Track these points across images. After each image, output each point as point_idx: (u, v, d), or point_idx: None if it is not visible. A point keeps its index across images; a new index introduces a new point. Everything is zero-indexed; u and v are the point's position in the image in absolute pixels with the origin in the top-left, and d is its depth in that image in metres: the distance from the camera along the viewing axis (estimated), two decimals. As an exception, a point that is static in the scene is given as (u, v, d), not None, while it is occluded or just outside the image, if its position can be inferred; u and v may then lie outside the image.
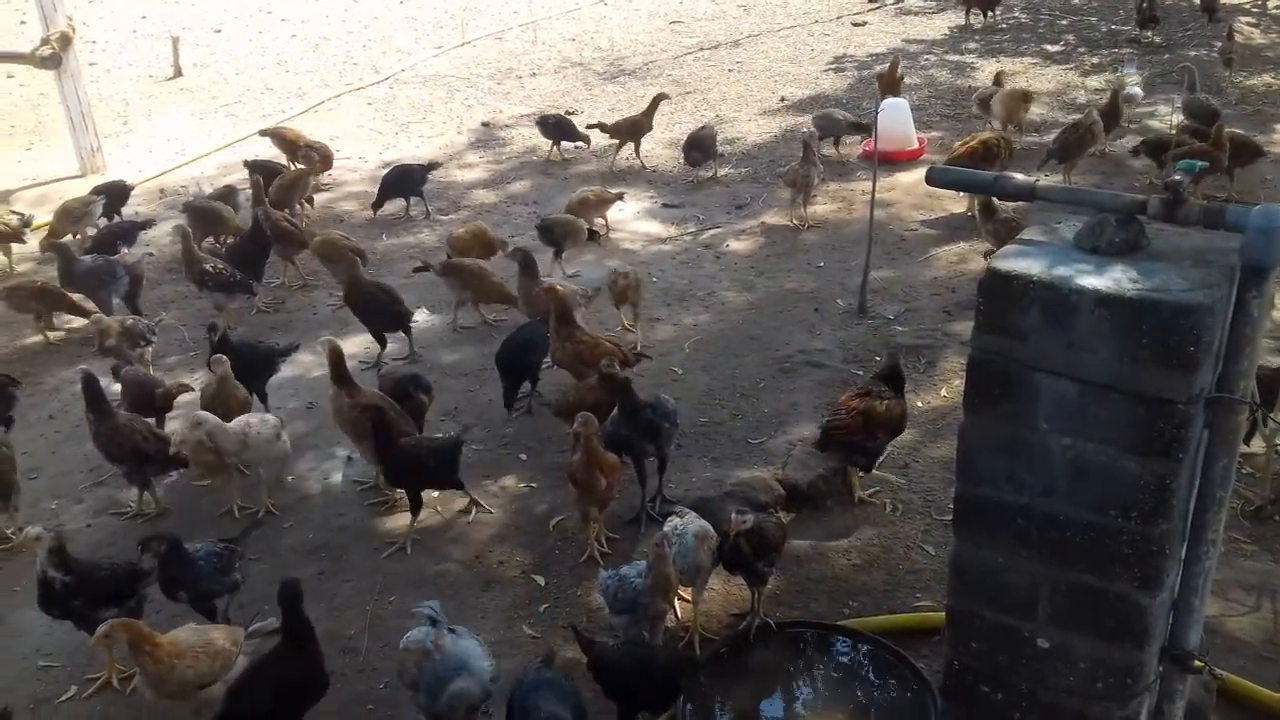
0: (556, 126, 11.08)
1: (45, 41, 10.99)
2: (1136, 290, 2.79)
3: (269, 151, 10.96)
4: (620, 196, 9.45)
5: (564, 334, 6.49)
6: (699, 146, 10.34)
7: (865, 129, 10.47)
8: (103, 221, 9.31)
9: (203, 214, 9.03)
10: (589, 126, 10.95)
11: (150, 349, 7.25)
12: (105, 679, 4.80)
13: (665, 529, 4.85)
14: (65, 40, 11.05)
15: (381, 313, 7.35)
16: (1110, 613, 3.09)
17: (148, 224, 9.29)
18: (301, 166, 10.08)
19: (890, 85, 11.41)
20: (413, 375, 6.43)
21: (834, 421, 5.66)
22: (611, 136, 10.85)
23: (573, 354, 6.44)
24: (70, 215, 9.11)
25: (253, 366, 6.61)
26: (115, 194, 9.68)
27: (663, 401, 5.77)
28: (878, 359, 7.14)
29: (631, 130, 10.84)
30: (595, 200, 9.21)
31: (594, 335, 6.61)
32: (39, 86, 13.61)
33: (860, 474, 5.78)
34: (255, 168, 9.96)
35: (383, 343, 7.37)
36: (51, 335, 7.98)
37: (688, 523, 4.78)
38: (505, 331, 7.34)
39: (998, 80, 11.21)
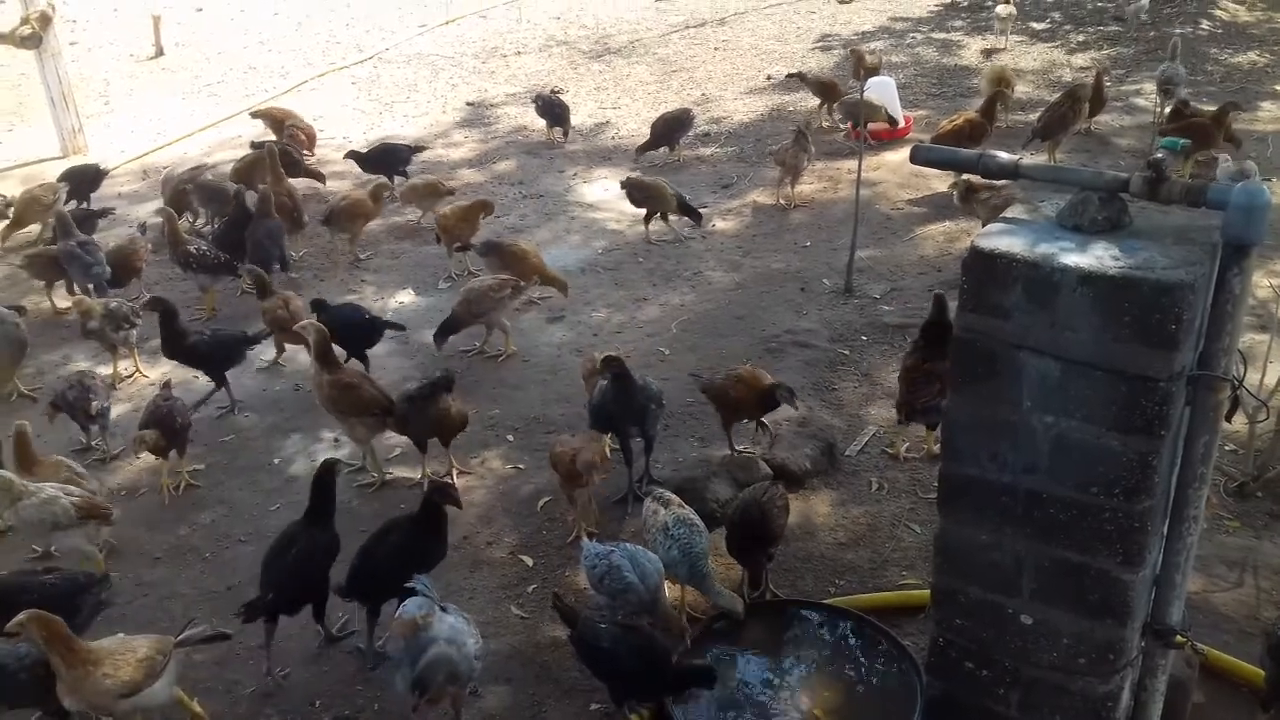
0: (549, 107, 10.93)
1: (25, 21, 10.88)
2: (1118, 268, 2.81)
3: (253, 132, 10.90)
4: (451, 192, 9.14)
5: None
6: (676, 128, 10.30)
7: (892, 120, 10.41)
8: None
9: (210, 192, 8.98)
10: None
11: (134, 331, 7.20)
12: None
13: (645, 511, 4.90)
14: (45, 20, 10.94)
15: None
16: (1093, 589, 3.12)
17: (106, 212, 9.15)
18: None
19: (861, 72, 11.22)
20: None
21: (916, 392, 5.67)
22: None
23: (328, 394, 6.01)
24: (39, 203, 8.99)
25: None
26: (88, 178, 9.58)
27: (648, 383, 5.78)
28: (864, 339, 7.17)
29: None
30: (424, 189, 9.03)
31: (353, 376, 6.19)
32: (19, 66, 13.48)
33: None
34: (259, 148, 9.90)
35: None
36: (60, 304, 7.97)
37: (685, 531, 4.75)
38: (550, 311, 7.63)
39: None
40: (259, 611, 4.64)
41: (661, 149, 10.34)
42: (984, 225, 7.85)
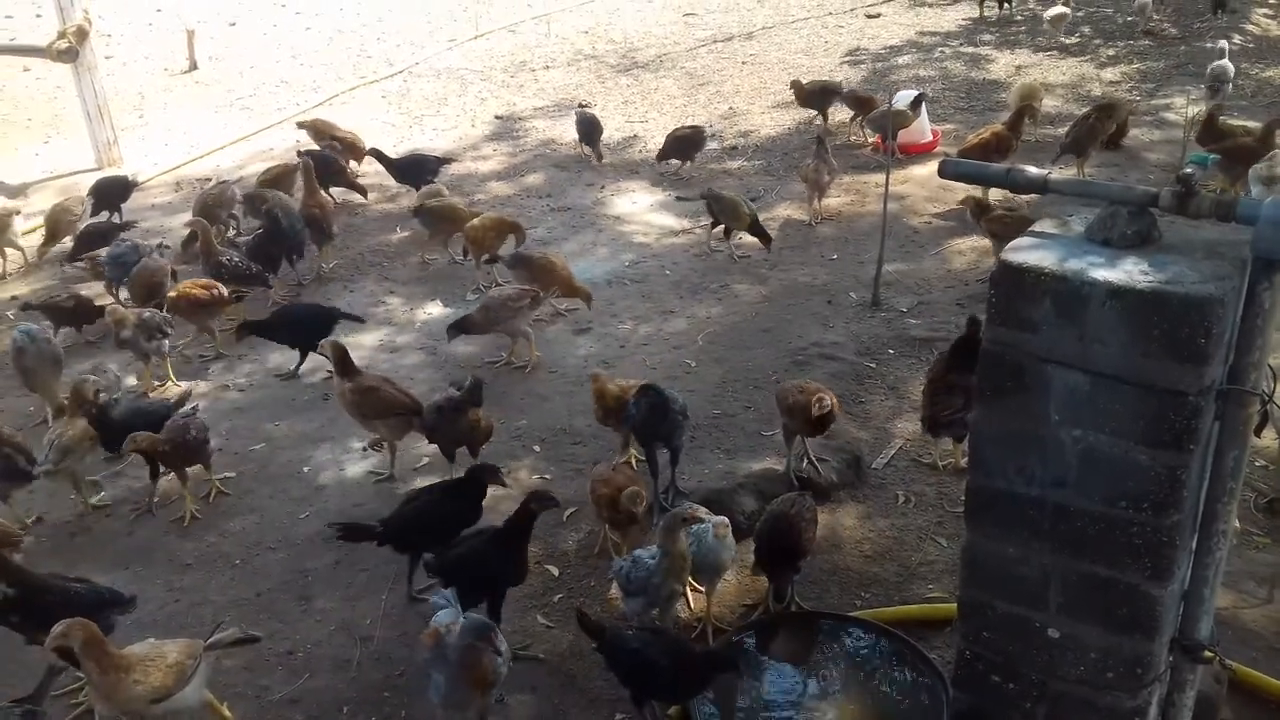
0: (588, 125, 10.93)
1: (62, 35, 11.04)
2: (1148, 282, 2.81)
3: (285, 144, 11.02)
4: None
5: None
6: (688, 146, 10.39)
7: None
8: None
9: (257, 203, 9.08)
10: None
11: (166, 342, 7.29)
12: None
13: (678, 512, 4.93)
14: (82, 34, 11.10)
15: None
16: (1121, 603, 3.11)
17: (128, 225, 9.22)
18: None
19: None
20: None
21: (941, 406, 5.66)
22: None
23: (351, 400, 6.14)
24: (70, 214, 9.13)
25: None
26: (117, 189, 9.70)
27: (674, 396, 5.79)
28: (891, 352, 7.17)
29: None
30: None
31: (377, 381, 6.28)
32: (55, 80, 13.68)
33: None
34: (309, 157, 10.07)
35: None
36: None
37: (706, 526, 4.77)
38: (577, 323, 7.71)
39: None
40: (360, 536, 5.15)
41: (679, 162, 10.48)
42: (992, 243, 7.94)
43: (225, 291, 7.55)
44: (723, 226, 8.73)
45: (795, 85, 11.44)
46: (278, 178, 9.69)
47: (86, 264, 8.73)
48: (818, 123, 11.43)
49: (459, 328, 7.10)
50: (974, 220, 8.33)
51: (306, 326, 7.28)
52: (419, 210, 8.95)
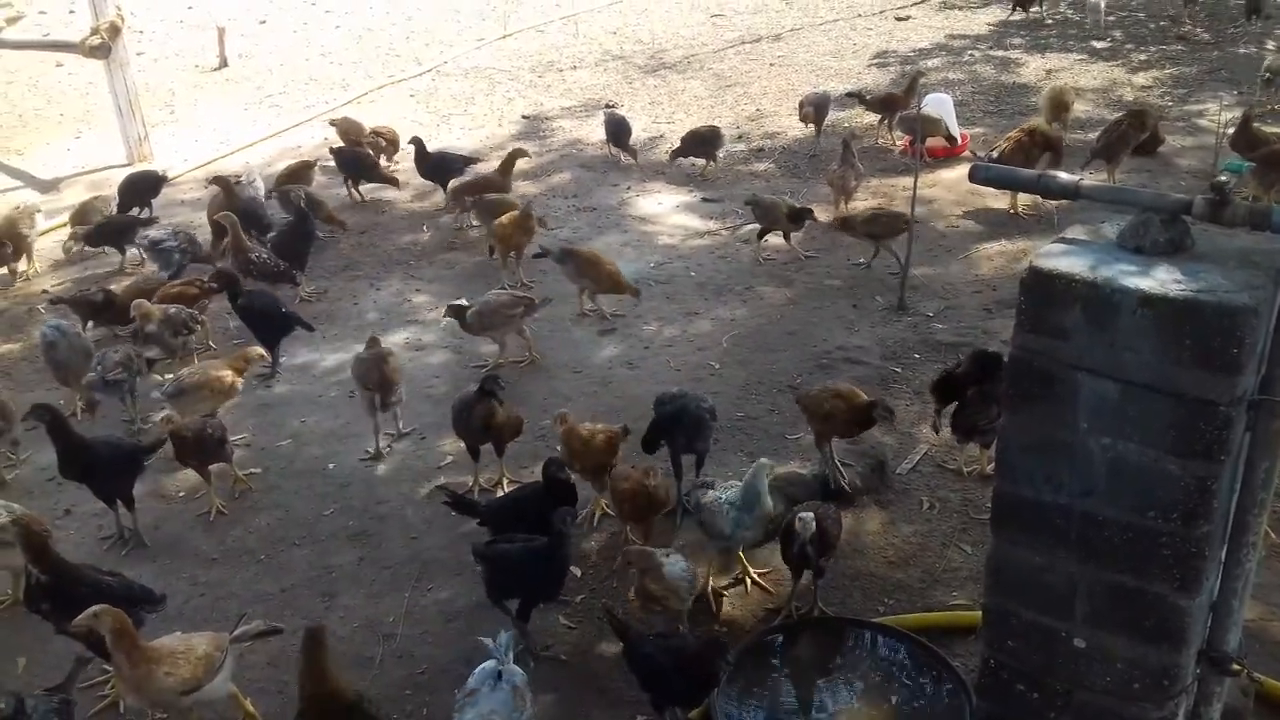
0: (616, 126, 10.90)
1: (95, 31, 11.15)
2: (1180, 291, 2.78)
3: (313, 141, 11.07)
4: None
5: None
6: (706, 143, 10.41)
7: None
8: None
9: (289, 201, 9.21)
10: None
11: (192, 338, 7.35)
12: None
13: (704, 497, 5.03)
14: (115, 30, 11.20)
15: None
16: (1148, 614, 3.09)
17: (151, 221, 9.26)
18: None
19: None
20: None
21: (974, 415, 5.68)
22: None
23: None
24: (94, 210, 9.26)
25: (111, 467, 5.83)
26: (148, 184, 9.80)
27: (700, 397, 5.79)
28: (916, 356, 7.14)
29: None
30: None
31: None
32: (88, 75, 13.80)
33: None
34: (339, 153, 10.29)
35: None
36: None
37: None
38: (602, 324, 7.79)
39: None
40: (466, 511, 5.39)
41: (704, 162, 10.51)
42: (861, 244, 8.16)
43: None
44: (760, 229, 8.72)
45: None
46: (295, 173, 9.78)
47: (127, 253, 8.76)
48: (845, 125, 11.38)
49: (454, 312, 7.18)
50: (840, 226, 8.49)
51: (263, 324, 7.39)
52: (475, 203, 8.93)
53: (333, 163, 10.32)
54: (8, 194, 10.81)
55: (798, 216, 8.47)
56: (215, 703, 4.44)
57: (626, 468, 5.50)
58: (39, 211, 9.40)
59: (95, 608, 4.10)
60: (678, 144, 10.53)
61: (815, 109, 10.86)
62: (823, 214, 9.42)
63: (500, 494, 5.84)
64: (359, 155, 10.22)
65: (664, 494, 5.30)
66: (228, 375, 6.53)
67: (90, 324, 7.60)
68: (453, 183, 9.71)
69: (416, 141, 9.95)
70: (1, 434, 6.36)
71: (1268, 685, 4.17)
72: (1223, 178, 2.89)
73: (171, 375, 6.68)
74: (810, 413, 5.80)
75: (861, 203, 9.52)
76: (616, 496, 5.36)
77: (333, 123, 11.07)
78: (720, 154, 10.57)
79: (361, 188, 10.27)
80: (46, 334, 6.84)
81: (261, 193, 9.49)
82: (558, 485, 5.20)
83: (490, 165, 10.72)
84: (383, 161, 10.56)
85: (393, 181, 10.08)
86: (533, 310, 7.33)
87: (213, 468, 6.00)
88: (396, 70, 14.63)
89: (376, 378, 6.40)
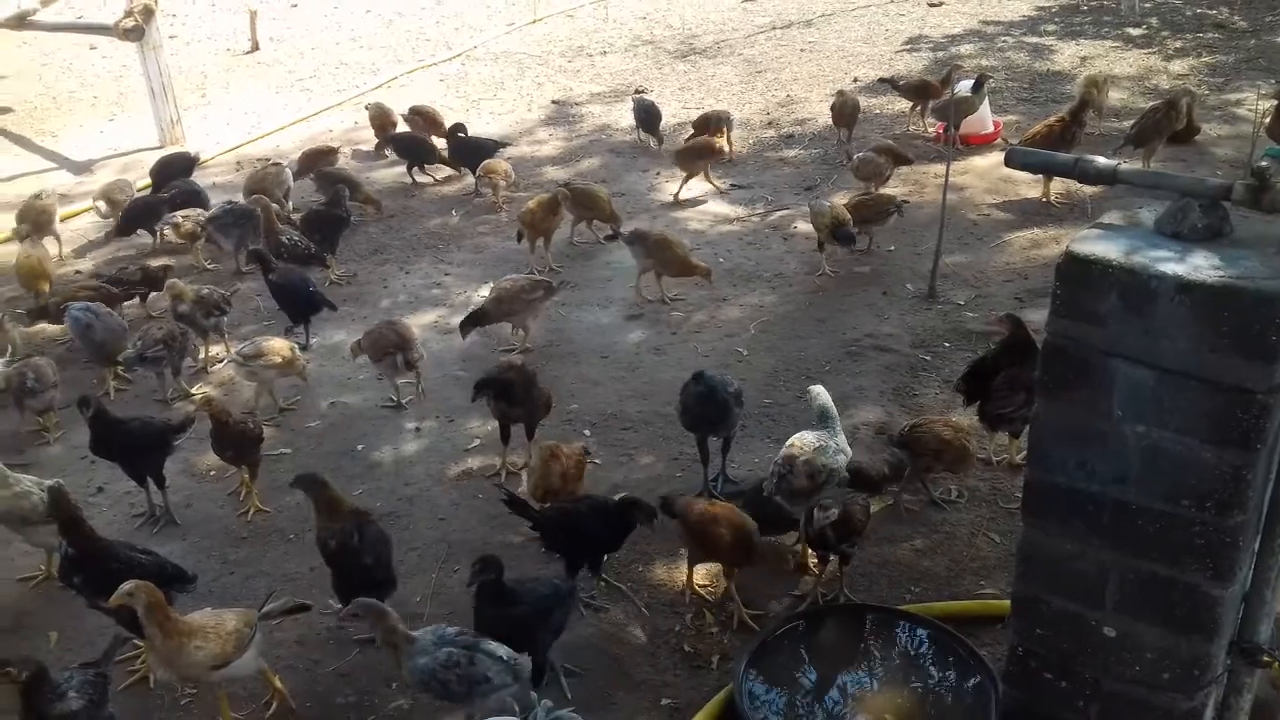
0: (646, 112, 10.87)
1: (128, 14, 11.21)
2: (1218, 277, 2.76)
3: (344, 126, 11.09)
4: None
5: None
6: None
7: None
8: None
9: (327, 180, 9.33)
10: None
11: (225, 319, 7.40)
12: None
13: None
14: (148, 13, 11.26)
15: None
16: (1180, 603, 3.07)
17: (174, 201, 9.22)
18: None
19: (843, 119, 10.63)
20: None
21: (1002, 403, 5.65)
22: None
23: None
24: (117, 188, 9.30)
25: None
26: (181, 166, 9.88)
27: (728, 381, 5.77)
28: (946, 345, 7.10)
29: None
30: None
31: None
32: (120, 58, 13.89)
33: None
34: (398, 139, 10.43)
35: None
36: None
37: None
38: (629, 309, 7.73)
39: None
40: (521, 512, 5.16)
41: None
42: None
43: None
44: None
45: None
46: (313, 157, 9.85)
47: (185, 230, 8.75)
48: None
49: (473, 322, 7.09)
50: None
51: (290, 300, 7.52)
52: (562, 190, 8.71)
53: (367, 147, 10.37)
54: (42, 176, 10.91)
55: (841, 237, 7.95)
56: (244, 678, 4.48)
57: (702, 505, 5.06)
58: (65, 196, 9.45)
59: (128, 584, 4.13)
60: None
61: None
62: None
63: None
64: (418, 140, 10.29)
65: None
66: (289, 351, 6.67)
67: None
68: (680, 147, 9.94)
69: (457, 128, 10.12)
70: (36, 394, 6.40)
71: (1299, 678, 4.13)
72: (1263, 163, 2.85)
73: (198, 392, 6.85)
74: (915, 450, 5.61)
75: (892, 189, 9.46)
76: (706, 538, 4.92)
77: (367, 108, 11.13)
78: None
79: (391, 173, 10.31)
80: (80, 317, 6.89)
81: (290, 176, 9.54)
82: (627, 519, 5.00)
83: (520, 150, 10.76)
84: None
85: (453, 165, 10.19)
86: (551, 294, 7.33)
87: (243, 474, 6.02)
88: (426, 55, 14.64)
89: (394, 339, 6.58)
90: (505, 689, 4.13)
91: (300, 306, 7.48)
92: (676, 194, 9.67)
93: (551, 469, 5.35)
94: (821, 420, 5.16)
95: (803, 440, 5.04)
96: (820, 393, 5.26)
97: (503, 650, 4.14)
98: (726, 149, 10.11)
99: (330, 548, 4.83)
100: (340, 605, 4.59)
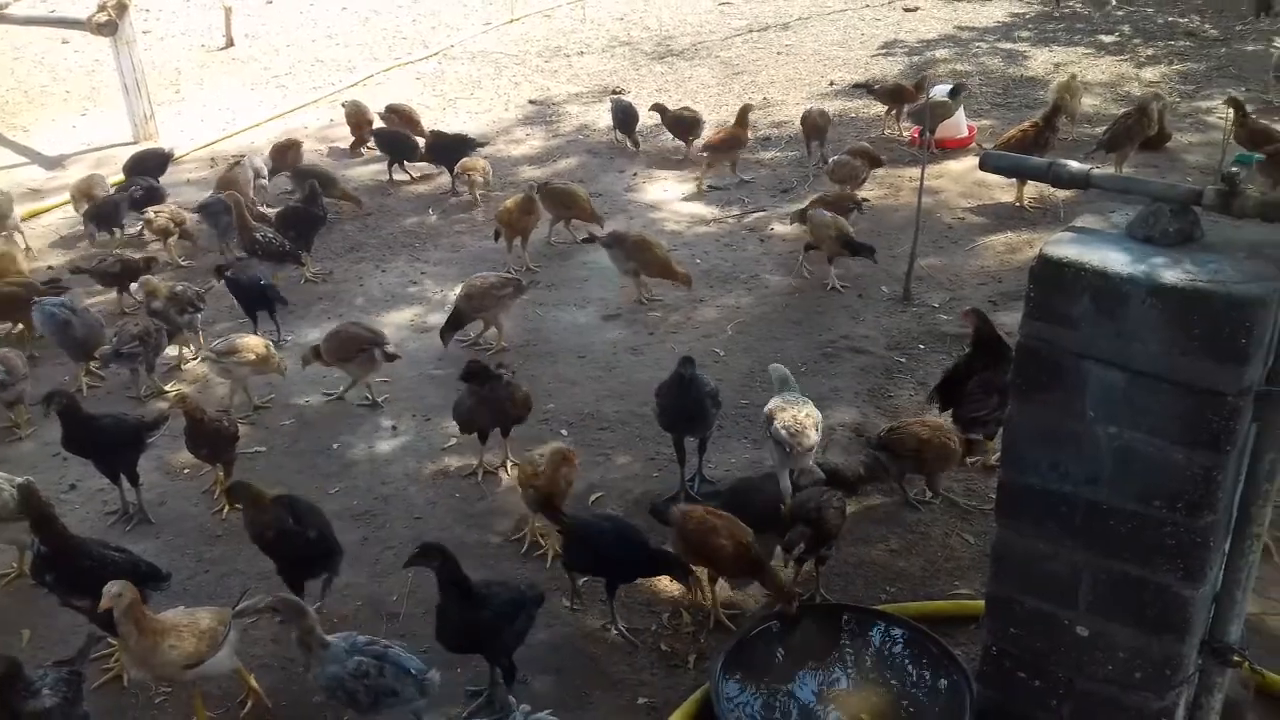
0: (623, 113, 10.91)
1: (101, 8, 11.12)
2: (1189, 281, 2.80)
3: (319, 123, 11.05)
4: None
5: None
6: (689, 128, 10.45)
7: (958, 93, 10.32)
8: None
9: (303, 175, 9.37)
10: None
11: (199, 316, 7.35)
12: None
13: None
14: (121, 7, 11.17)
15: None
16: (1151, 603, 3.11)
17: (149, 194, 9.18)
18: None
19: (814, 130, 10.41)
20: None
21: (975, 406, 5.67)
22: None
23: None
24: (92, 184, 9.20)
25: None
26: (155, 162, 9.81)
27: (705, 381, 5.79)
28: (921, 347, 7.15)
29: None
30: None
31: None
32: (93, 53, 13.78)
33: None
34: (380, 134, 10.43)
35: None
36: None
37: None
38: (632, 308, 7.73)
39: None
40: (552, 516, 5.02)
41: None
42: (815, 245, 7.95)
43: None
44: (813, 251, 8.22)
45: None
46: (282, 150, 9.81)
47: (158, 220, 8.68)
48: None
49: (452, 326, 7.10)
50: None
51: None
52: (541, 190, 8.66)
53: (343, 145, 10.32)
54: (12, 170, 10.82)
55: (851, 248, 7.80)
56: (218, 677, 4.46)
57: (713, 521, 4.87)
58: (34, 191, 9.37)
59: (115, 587, 4.11)
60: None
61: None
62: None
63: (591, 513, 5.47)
64: (401, 136, 10.26)
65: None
66: (264, 349, 6.64)
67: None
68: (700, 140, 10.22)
69: (434, 134, 10.14)
70: (6, 386, 6.36)
71: (1268, 678, 4.19)
72: (1233, 169, 2.89)
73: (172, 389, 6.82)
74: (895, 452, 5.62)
75: (867, 192, 9.51)
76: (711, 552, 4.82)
77: (344, 105, 11.10)
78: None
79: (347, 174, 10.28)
80: (56, 314, 6.83)
81: (265, 173, 9.51)
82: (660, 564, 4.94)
83: (497, 149, 10.75)
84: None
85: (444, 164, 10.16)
86: (521, 292, 7.34)
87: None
88: (403, 53, 14.60)
89: (366, 334, 6.65)
90: (411, 703, 4.15)
91: (253, 301, 7.45)
92: (700, 181, 9.92)
93: (562, 474, 5.30)
94: (783, 387, 5.58)
95: (783, 404, 5.40)
96: (778, 367, 5.80)
97: (413, 664, 4.15)
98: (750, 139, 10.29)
99: (268, 537, 4.85)
100: (295, 596, 4.57)
